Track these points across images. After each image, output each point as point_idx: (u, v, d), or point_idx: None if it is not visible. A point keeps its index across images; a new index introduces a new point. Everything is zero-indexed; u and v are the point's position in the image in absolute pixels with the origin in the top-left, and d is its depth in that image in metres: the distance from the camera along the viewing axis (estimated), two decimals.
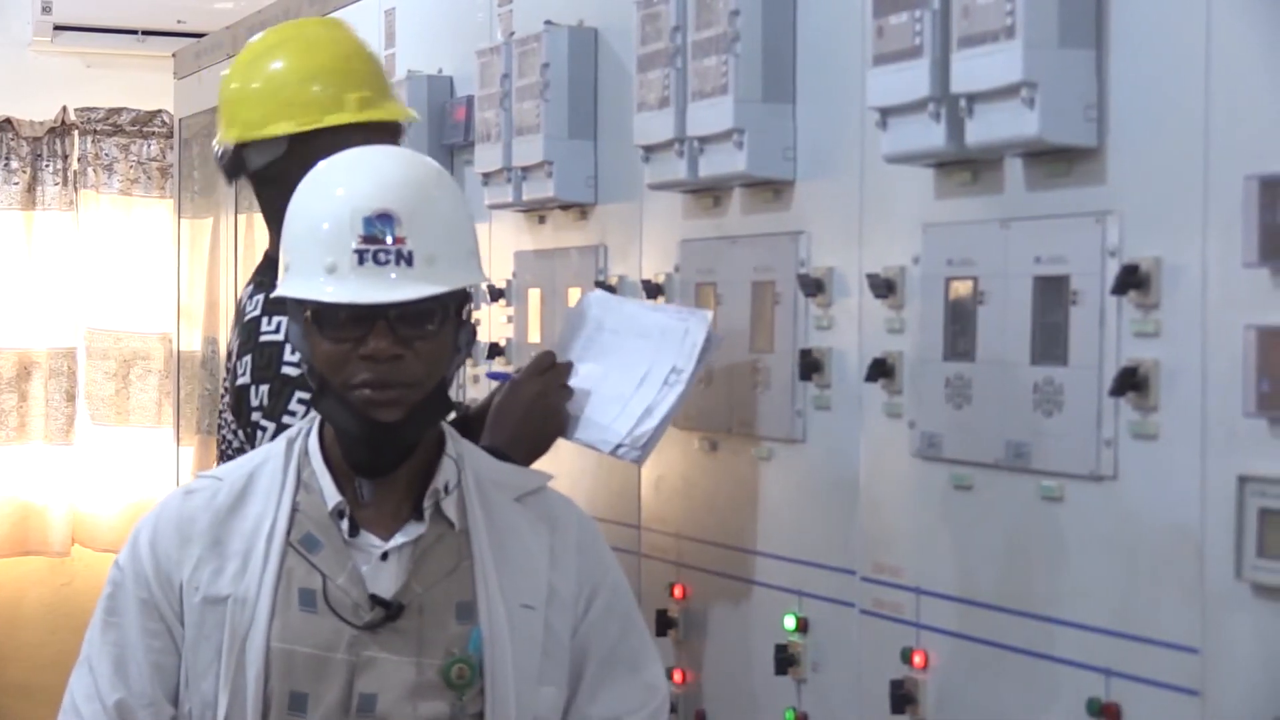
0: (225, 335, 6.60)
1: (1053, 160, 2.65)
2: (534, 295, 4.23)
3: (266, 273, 3.09)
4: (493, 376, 3.78)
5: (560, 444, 3.40)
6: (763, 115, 3.24)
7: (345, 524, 2.40)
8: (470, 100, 4.38)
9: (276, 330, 2.99)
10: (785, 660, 3.23)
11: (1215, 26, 2.39)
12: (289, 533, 2.40)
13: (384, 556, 2.40)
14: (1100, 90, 2.57)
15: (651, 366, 3.26)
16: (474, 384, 4.56)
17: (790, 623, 3.25)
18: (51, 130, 7.99)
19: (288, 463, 2.44)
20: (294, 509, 2.41)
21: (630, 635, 2.56)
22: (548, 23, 3.98)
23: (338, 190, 2.38)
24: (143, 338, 8.04)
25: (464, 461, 2.48)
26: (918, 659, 2.93)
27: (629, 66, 3.61)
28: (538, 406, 3.21)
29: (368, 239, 2.32)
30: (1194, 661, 2.41)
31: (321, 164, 2.47)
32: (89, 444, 8.02)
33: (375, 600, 2.36)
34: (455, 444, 2.50)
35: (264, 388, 2.97)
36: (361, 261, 2.32)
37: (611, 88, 3.89)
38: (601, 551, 2.57)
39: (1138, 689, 2.51)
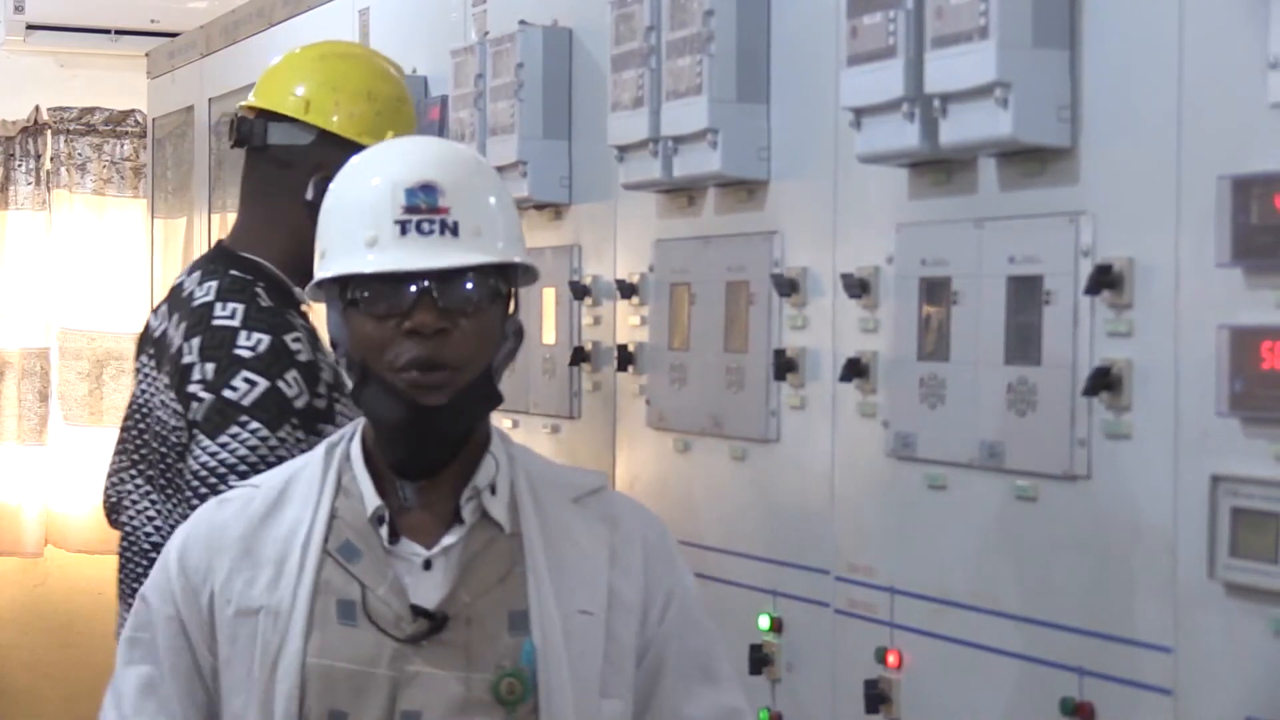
0: None
1: (1026, 160, 2.66)
2: None
3: (218, 261, 3.11)
4: None
5: (527, 440, 3.39)
6: (737, 115, 3.24)
7: (385, 530, 2.23)
8: (444, 100, 4.37)
9: (231, 316, 2.97)
10: (760, 660, 3.23)
11: (1188, 27, 2.39)
12: (326, 540, 2.24)
13: (426, 565, 2.22)
14: (1074, 90, 2.57)
15: None
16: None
17: (764, 622, 3.25)
18: (24, 130, 7.98)
19: (327, 467, 2.28)
20: (332, 515, 2.25)
21: (710, 648, 2.37)
22: (522, 22, 3.98)
23: (377, 172, 2.24)
24: (116, 338, 8.01)
25: (515, 462, 2.31)
26: (892, 659, 2.94)
27: (603, 66, 3.61)
28: None
29: (410, 209, 2.18)
30: (1167, 661, 2.42)
31: (355, 157, 2.33)
32: (62, 444, 8.00)
33: (418, 611, 2.20)
34: (505, 444, 2.32)
35: (209, 365, 2.93)
36: (404, 232, 2.17)
37: (586, 88, 3.89)
38: (671, 554, 2.37)
39: (1111, 688, 2.51)
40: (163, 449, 3.00)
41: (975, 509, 2.77)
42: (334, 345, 2.28)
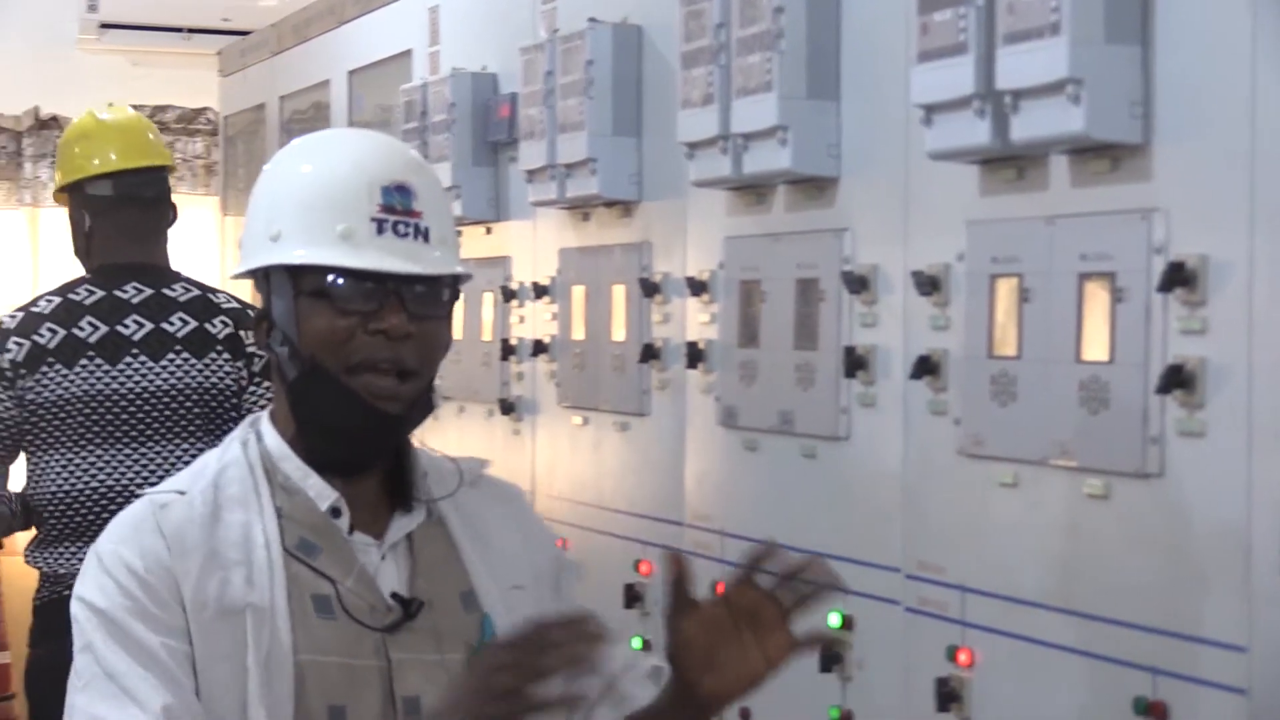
0: None
1: (1098, 157, 2.64)
2: (578, 292, 4.23)
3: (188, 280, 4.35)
4: None
5: (597, 437, 3.37)
6: (807, 112, 3.24)
7: (345, 522, 2.22)
8: (514, 98, 4.38)
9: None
10: (830, 658, 3.22)
11: (1260, 21, 2.38)
12: (281, 539, 2.20)
13: (384, 554, 2.24)
14: (1146, 86, 2.56)
15: None
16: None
17: (835, 620, 3.24)
18: None
19: (251, 466, 2.25)
20: (278, 514, 2.22)
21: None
22: (591, 20, 3.98)
23: (343, 160, 2.22)
24: None
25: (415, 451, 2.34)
26: (963, 657, 2.93)
27: (673, 63, 3.61)
28: None
29: (386, 208, 2.17)
30: (1241, 660, 2.40)
31: (302, 141, 2.32)
32: None
33: (398, 599, 2.21)
34: None
35: (244, 332, 4.23)
36: (380, 231, 2.17)
37: (655, 85, 3.89)
38: (543, 521, 2.51)
39: (1185, 687, 2.50)
40: (213, 404, 4.19)
41: (1046, 507, 2.75)
42: (268, 330, 2.24)
